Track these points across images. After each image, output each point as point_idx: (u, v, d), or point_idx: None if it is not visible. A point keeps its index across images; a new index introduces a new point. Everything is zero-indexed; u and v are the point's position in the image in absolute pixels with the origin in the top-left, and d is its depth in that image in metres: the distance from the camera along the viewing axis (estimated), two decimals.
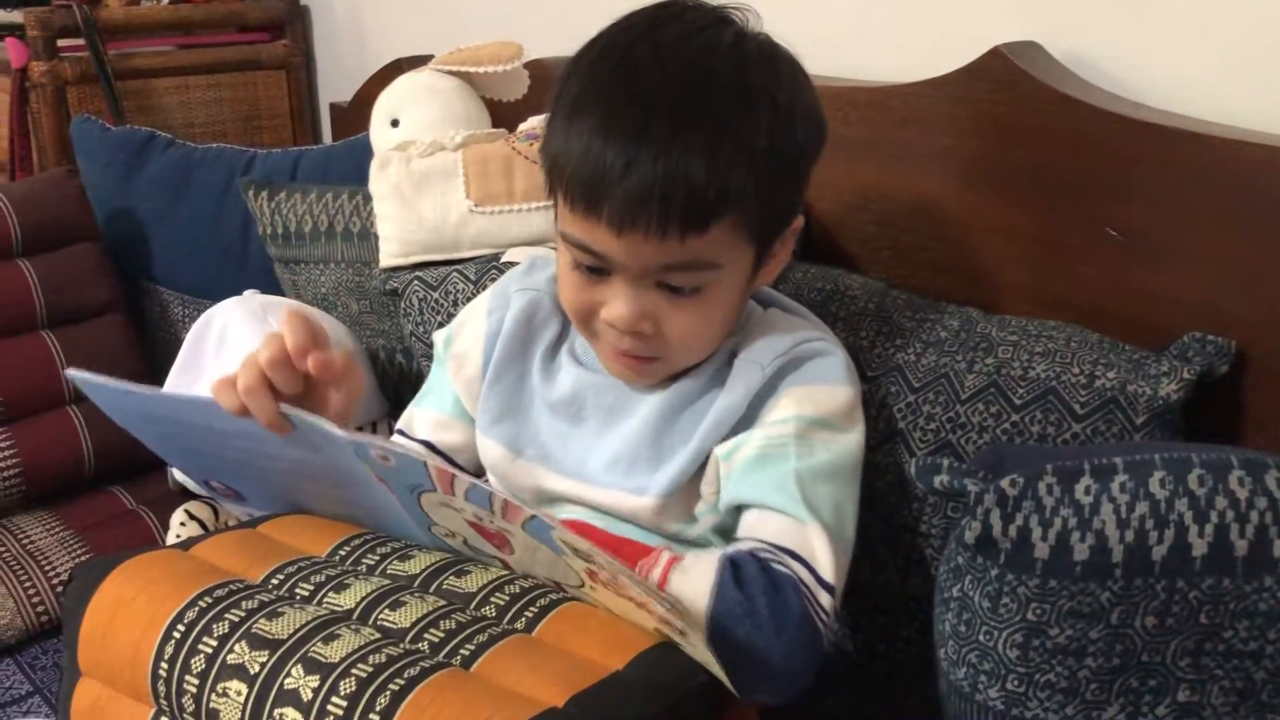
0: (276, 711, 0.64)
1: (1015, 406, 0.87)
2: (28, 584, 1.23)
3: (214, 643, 0.68)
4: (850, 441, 0.83)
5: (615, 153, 0.73)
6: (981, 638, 0.68)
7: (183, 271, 1.57)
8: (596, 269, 0.79)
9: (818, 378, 0.84)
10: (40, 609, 1.21)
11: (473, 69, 1.27)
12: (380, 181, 1.23)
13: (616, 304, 0.79)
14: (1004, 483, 0.66)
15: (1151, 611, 0.66)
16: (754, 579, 0.74)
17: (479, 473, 0.97)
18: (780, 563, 0.76)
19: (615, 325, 0.80)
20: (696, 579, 0.75)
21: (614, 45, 0.79)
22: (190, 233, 1.56)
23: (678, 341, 0.82)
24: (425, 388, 1.00)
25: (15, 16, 1.97)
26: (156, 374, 1.50)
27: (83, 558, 1.27)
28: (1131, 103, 0.94)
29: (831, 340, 0.88)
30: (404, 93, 1.28)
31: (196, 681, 0.67)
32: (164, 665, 0.69)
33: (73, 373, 0.78)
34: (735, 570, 0.74)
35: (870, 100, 1.08)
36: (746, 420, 0.83)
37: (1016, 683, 0.68)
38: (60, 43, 1.84)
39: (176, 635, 0.69)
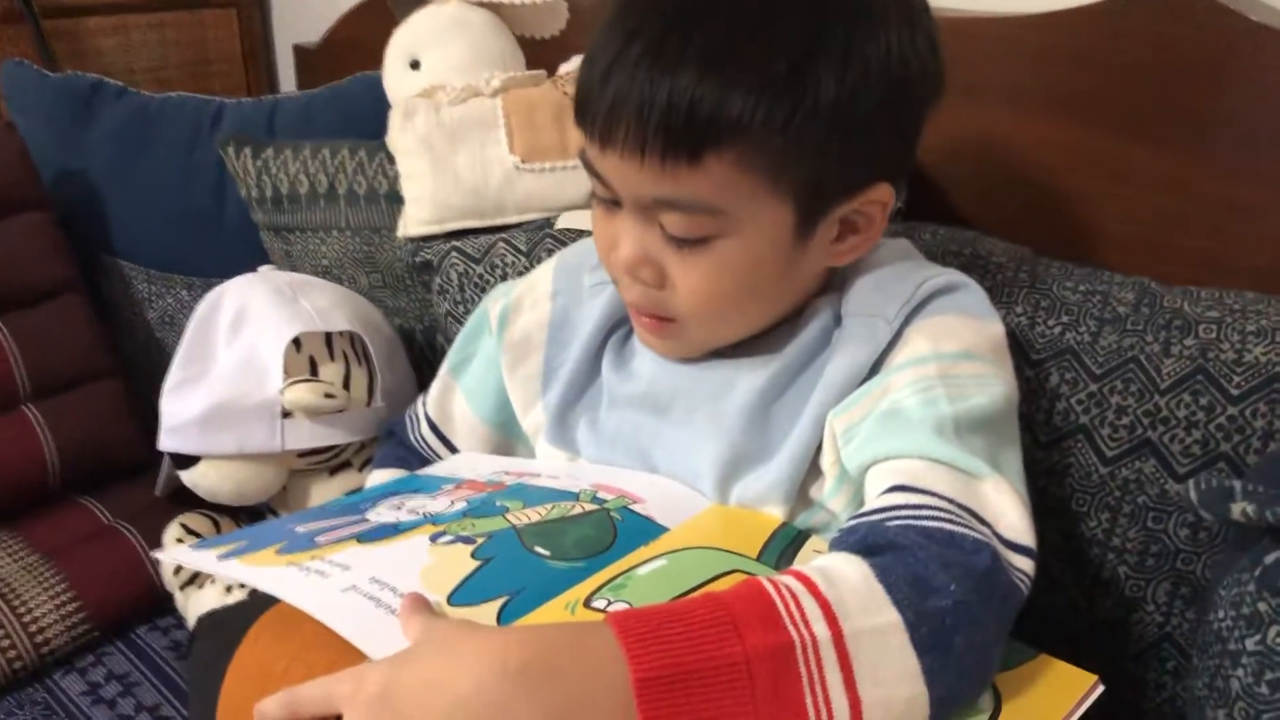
0: None
1: (1232, 398, 0.73)
2: None
3: None
4: (1007, 382, 0.68)
5: (605, 60, 0.65)
6: None
7: (147, 243, 1.35)
8: (608, 200, 0.71)
9: (956, 309, 0.70)
10: (13, 654, 1.02)
11: (504, 0, 1.09)
12: (405, 135, 1.04)
13: (622, 241, 0.70)
14: None
15: None
16: (923, 555, 0.55)
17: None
18: (958, 521, 0.58)
19: (616, 266, 0.71)
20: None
21: None
22: (154, 197, 1.34)
23: (685, 300, 0.70)
24: (462, 358, 0.89)
25: None
26: (123, 361, 1.30)
27: (55, 586, 1.08)
28: None
29: (965, 276, 0.73)
30: (425, 29, 1.09)
31: None
32: None
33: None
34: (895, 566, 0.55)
35: (999, 34, 0.93)
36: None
37: None
38: None
39: None
